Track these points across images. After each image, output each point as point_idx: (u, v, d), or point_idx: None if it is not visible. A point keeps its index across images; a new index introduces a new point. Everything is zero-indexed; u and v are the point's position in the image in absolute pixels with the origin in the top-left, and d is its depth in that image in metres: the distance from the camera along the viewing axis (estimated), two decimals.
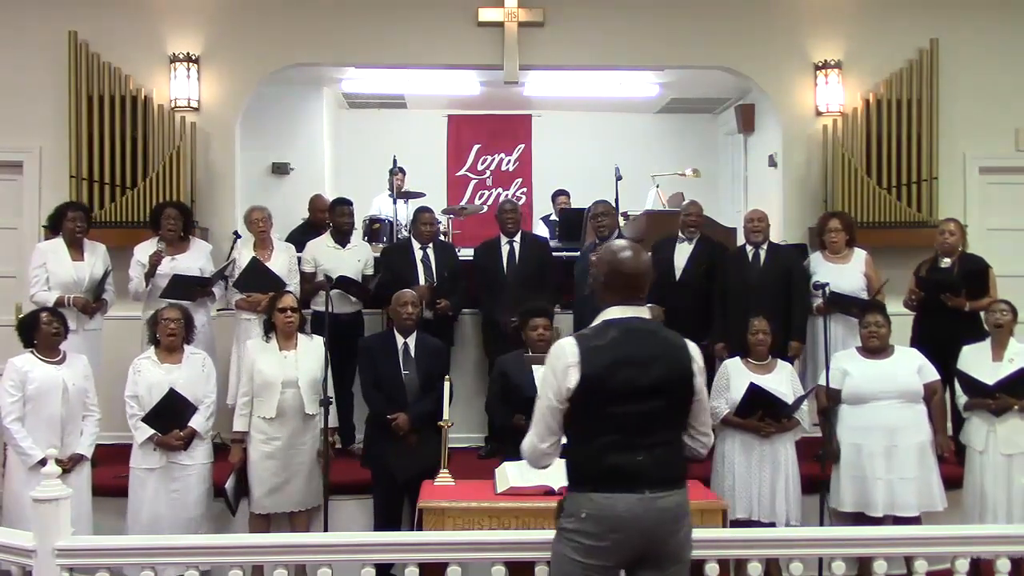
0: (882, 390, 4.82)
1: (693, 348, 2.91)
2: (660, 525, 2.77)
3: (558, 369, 2.79)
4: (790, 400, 4.83)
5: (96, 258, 5.73)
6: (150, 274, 5.66)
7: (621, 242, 3.02)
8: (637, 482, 2.75)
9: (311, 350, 4.93)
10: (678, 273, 5.93)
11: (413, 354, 5.00)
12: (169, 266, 5.69)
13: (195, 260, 5.85)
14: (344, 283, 5.87)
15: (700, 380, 2.88)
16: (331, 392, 4.81)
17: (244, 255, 5.95)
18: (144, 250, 5.79)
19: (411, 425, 4.85)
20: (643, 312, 2.88)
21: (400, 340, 5.03)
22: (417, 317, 5.09)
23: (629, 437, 2.77)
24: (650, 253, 3.06)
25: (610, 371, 2.76)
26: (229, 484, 4.82)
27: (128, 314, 5.96)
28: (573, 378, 2.76)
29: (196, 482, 4.77)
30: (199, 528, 4.74)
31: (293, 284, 5.85)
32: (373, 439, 5.04)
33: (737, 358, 5.07)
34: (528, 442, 2.87)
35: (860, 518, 4.79)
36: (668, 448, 2.83)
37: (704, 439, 2.95)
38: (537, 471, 4.17)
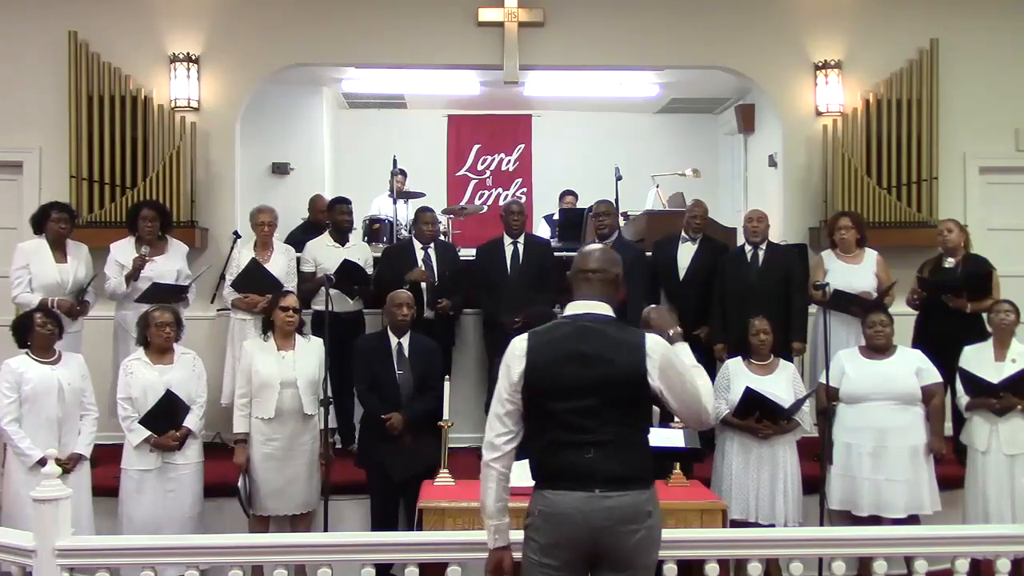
0: (877, 391, 4.82)
1: (652, 347, 2.82)
2: (608, 525, 2.74)
3: (508, 362, 2.85)
4: (789, 402, 4.82)
5: (79, 260, 5.66)
6: (133, 277, 5.62)
7: (593, 244, 3.09)
8: (586, 480, 2.76)
9: (309, 350, 4.93)
10: (682, 273, 5.94)
11: (407, 354, 5.00)
12: (149, 268, 5.65)
13: (173, 262, 5.82)
14: (349, 268, 5.83)
15: (656, 376, 2.79)
16: (330, 392, 4.80)
17: (244, 255, 5.94)
18: (121, 249, 5.75)
19: (406, 425, 4.85)
20: (599, 308, 2.89)
21: (394, 340, 5.02)
22: (412, 318, 5.08)
23: (575, 434, 2.77)
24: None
25: (552, 366, 2.79)
26: (241, 484, 4.81)
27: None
28: (517, 371, 2.81)
29: (191, 481, 4.78)
30: (197, 527, 4.74)
31: (291, 286, 5.82)
32: (368, 440, 5.03)
33: (739, 358, 5.07)
34: (486, 433, 2.89)
35: (851, 517, 4.81)
36: (619, 447, 2.79)
37: (696, 421, 2.91)
38: None
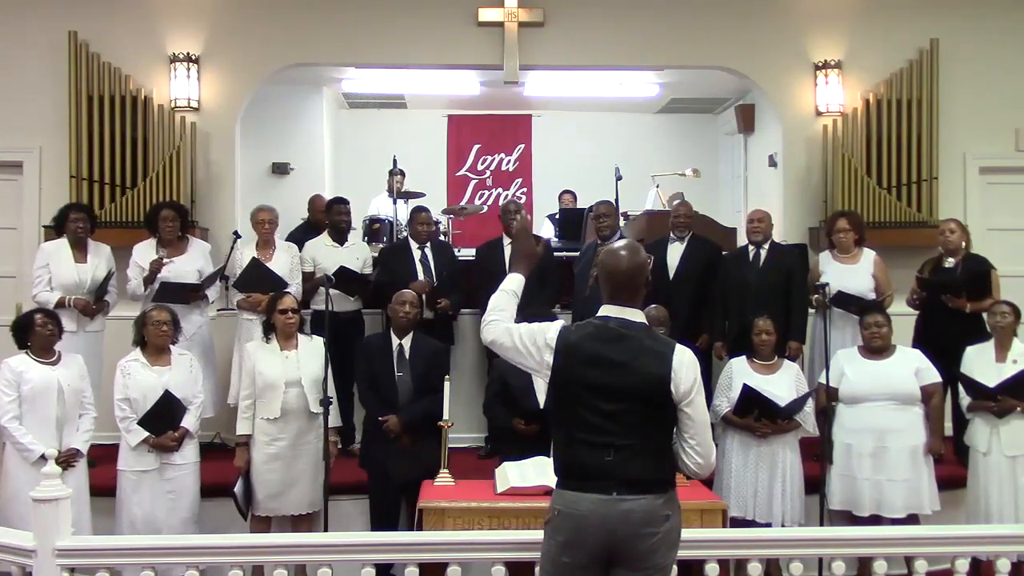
0: (876, 391, 4.82)
1: (679, 361, 2.81)
2: (624, 527, 2.75)
3: (543, 335, 2.88)
4: (788, 402, 4.82)
5: (100, 259, 5.71)
6: (150, 280, 5.63)
7: (622, 242, 3.03)
8: (605, 481, 2.77)
9: (312, 349, 4.92)
10: (671, 273, 5.94)
11: (408, 355, 4.98)
12: (167, 268, 5.66)
13: (193, 262, 5.82)
14: (345, 274, 5.83)
15: (683, 392, 2.78)
16: (331, 392, 4.79)
17: (245, 255, 5.93)
18: (142, 251, 5.77)
19: (403, 427, 4.84)
20: (632, 314, 2.88)
21: (395, 341, 5.01)
22: (414, 317, 5.06)
23: (598, 435, 2.78)
24: (651, 257, 3.06)
25: (578, 369, 2.81)
26: (238, 488, 4.80)
27: (131, 314, 5.92)
28: (547, 359, 2.85)
29: (190, 481, 4.78)
30: (195, 528, 4.73)
31: (295, 284, 5.84)
32: (370, 441, 5.03)
33: (743, 357, 5.06)
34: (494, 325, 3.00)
35: (852, 517, 4.81)
36: (640, 452, 2.78)
37: (697, 456, 2.81)
38: (538, 472, 4.21)
